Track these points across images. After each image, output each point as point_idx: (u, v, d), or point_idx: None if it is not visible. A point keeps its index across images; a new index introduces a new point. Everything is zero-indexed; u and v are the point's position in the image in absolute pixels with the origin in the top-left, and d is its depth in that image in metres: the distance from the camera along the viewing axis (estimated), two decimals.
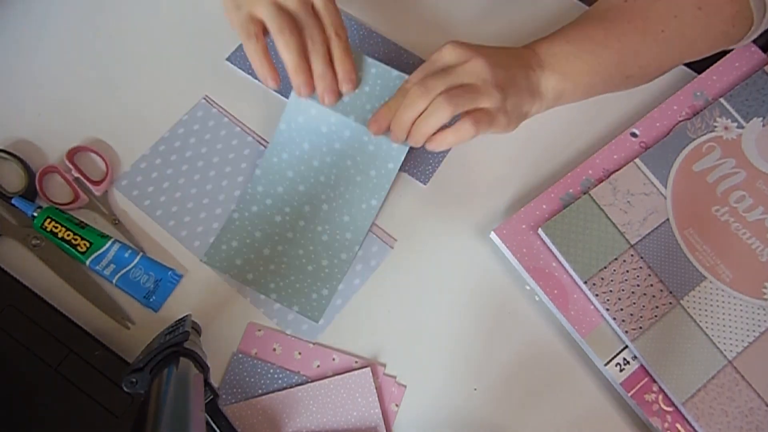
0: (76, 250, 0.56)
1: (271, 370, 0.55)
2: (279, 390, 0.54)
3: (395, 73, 0.54)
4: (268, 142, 0.61)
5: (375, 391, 0.54)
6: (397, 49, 0.65)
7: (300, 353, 0.56)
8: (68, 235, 0.56)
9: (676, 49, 0.57)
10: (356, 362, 0.55)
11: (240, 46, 0.65)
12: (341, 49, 0.51)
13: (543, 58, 0.54)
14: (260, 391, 0.54)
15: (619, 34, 0.54)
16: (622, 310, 0.55)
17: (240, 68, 0.64)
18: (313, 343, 0.56)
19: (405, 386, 0.55)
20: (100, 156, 0.60)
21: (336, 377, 0.54)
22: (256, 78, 0.63)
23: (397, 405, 0.55)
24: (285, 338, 0.56)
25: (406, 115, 0.50)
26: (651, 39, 0.55)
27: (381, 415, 0.54)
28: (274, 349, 0.56)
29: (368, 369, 0.55)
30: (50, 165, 0.59)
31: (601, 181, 0.60)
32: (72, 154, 0.59)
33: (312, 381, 0.54)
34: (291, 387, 0.54)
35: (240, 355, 0.55)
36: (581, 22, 0.56)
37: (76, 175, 0.58)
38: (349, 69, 0.52)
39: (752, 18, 0.57)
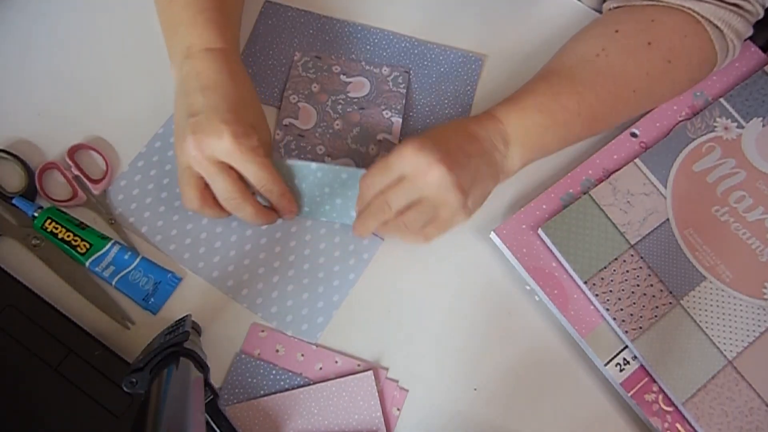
0: (76, 251, 0.56)
1: (274, 372, 0.55)
2: (281, 391, 0.54)
3: (348, 171, 0.54)
4: None
5: (377, 394, 0.54)
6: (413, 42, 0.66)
7: (303, 355, 0.56)
8: (68, 236, 0.56)
9: (643, 105, 0.58)
10: (359, 365, 0.55)
11: None
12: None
13: (511, 133, 0.53)
14: (262, 392, 0.54)
15: (592, 101, 0.54)
16: (622, 310, 0.55)
17: None
18: (316, 345, 0.56)
19: (407, 390, 0.55)
20: (101, 155, 0.60)
21: (338, 380, 0.54)
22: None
23: (398, 409, 0.55)
24: (288, 340, 0.56)
25: (370, 224, 0.53)
26: (622, 103, 0.55)
27: (382, 419, 0.53)
28: (277, 351, 0.56)
29: (370, 372, 0.55)
30: (50, 161, 0.59)
31: (601, 181, 0.60)
32: (73, 151, 0.59)
33: (314, 383, 0.54)
34: (293, 389, 0.54)
35: (243, 356, 0.55)
36: (553, 83, 0.55)
37: (76, 173, 0.58)
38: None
39: (716, 59, 0.58)
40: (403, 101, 0.62)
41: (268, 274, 0.58)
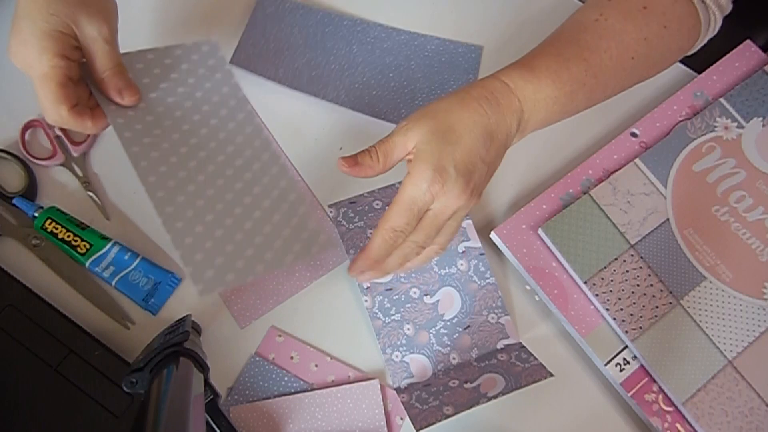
0: (76, 251, 0.56)
1: (285, 378, 0.55)
2: (286, 395, 0.54)
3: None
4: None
5: (381, 403, 0.54)
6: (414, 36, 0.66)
7: (317, 365, 0.55)
8: (68, 236, 0.56)
9: (639, 73, 0.56)
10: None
11: (238, 47, 0.65)
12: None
13: (525, 110, 0.51)
14: (271, 397, 0.54)
15: (596, 68, 0.53)
16: (622, 310, 0.55)
17: (244, 69, 0.64)
18: (331, 357, 0.56)
19: None
20: None
21: (343, 386, 0.54)
22: (260, 75, 0.63)
23: (402, 418, 0.54)
24: (304, 348, 0.56)
25: (393, 267, 0.50)
26: (621, 68, 0.54)
27: (386, 428, 0.53)
28: (292, 358, 0.56)
29: (377, 380, 0.55)
30: (35, 119, 0.59)
31: (601, 181, 0.60)
32: None
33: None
34: (298, 393, 0.54)
35: (257, 359, 0.55)
36: (561, 49, 0.53)
37: (58, 133, 0.59)
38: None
39: (700, 31, 0.57)
40: None
41: (215, 223, 0.48)
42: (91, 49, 0.48)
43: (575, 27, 0.55)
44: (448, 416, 0.51)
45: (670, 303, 0.56)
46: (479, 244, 0.58)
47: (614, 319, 0.55)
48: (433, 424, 0.50)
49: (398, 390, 0.54)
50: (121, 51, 0.50)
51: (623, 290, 0.56)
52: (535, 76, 0.51)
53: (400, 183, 0.59)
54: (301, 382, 0.55)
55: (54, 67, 0.46)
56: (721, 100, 0.62)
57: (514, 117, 0.50)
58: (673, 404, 0.54)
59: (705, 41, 0.59)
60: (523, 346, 0.56)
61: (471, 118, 0.49)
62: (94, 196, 0.58)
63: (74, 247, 0.56)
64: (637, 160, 0.60)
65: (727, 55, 0.65)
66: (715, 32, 0.59)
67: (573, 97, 0.53)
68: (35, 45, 0.46)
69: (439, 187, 0.46)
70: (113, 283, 0.56)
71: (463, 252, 0.58)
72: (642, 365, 0.55)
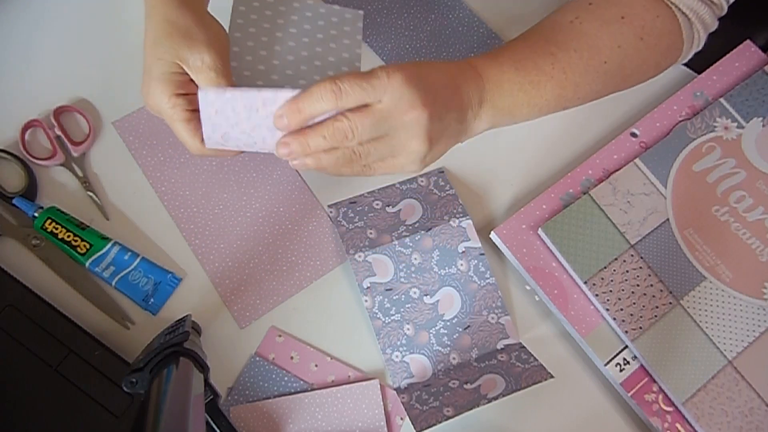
0: (76, 251, 0.56)
1: (285, 378, 0.55)
2: (286, 394, 0.54)
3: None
4: None
5: (381, 403, 0.54)
6: None
7: (317, 365, 0.55)
8: (68, 237, 0.56)
9: (613, 81, 0.56)
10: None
11: None
12: None
13: (488, 90, 0.51)
14: (271, 397, 0.54)
15: (565, 65, 0.53)
16: (622, 310, 0.55)
17: None
18: (331, 357, 0.56)
19: None
20: (85, 118, 0.60)
21: (343, 386, 0.54)
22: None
23: (402, 418, 0.54)
24: (304, 348, 0.56)
25: (317, 144, 0.46)
26: (593, 71, 0.54)
27: (386, 428, 0.53)
28: (292, 358, 0.56)
29: (377, 381, 0.55)
30: (34, 119, 0.60)
31: (601, 181, 0.60)
32: (59, 113, 0.60)
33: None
34: (298, 393, 0.54)
35: (257, 359, 0.55)
36: (531, 43, 0.54)
37: (59, 133, 0.59)
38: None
39: (682, 48, 0.57)
40: (459, 200, 0.60)
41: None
42: (198, 80, 0.49)
43: (549, 26, 0.55)
44: (448, 417, 0.51)
45: (670, 303, 0.56)
46: (479, 244, 0.58)
47: (614, 319, 0.55)
48: (433, 425, 0.50)
49: (398, 390, 0.54)
50: None
51: (623, 290, 0.56)
52: (497, 61, 0.52)
53: (400, 183, 0.60)
54: (301, 382, 0.55)
55: (174, 107, 0.49)
56: (721, 100, 0.62)
57: (476, 89, 0.50)
58: (673, 404, 0.54)
59: (688, 57, 0.59)
60: (523, 347, 0.56)
61: (436, 65, 0.49)
62: (94, 196, 0.58)
63: (74, 247, 0.56)
64: (637, 160, 0.60)
65: (727, 55, 0.65)
66: (699, 48, 0.59)
67: (539, 87, 0.52)
68: (154, 92, 0.49)
69: (401, 79, 0.44)
70: (113, 283, 0.56)
71: (463, 252, 0.58)
72: (642, 365, 0.55)
